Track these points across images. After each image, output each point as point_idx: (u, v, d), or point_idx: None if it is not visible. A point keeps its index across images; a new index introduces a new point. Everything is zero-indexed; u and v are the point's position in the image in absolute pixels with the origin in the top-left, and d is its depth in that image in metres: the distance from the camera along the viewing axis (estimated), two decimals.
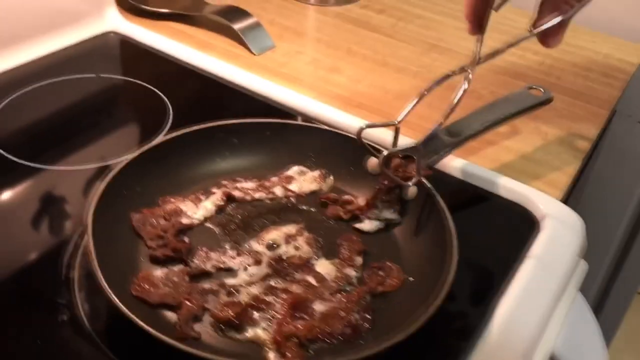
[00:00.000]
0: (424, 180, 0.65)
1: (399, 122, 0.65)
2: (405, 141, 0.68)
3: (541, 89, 0.78)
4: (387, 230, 0.66)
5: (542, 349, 0.60)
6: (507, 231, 0.68)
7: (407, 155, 0.68)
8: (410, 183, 0.64)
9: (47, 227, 0.65)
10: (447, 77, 0.65)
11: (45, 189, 0.69)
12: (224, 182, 0.69)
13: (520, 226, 0.68)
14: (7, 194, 0.69)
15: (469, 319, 0.58)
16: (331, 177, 0.71)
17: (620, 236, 1.21)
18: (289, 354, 0.52)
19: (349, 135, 0.70)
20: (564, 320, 0.64)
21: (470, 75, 0.64)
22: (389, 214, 0.66)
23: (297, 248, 0.62)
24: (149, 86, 0.86)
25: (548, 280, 0.63)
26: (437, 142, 0.69)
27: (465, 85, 0.64)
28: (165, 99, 0.83)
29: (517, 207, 0.70)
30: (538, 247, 0.65)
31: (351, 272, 0.60)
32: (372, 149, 0.65)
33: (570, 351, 0.65)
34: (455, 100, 0.63)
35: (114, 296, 0.50)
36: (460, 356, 0.55)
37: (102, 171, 0.71)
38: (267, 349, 0.53)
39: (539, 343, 0.59)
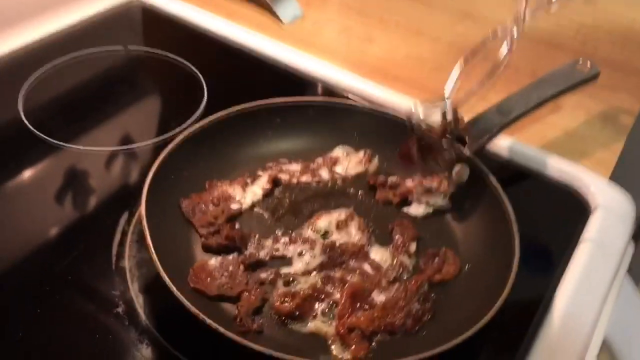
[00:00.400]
0: (477, 161, 0.63)
1: (449, 98, 0.63)
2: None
3: (587, 63, 0.76)
4: (439, 215, 0.65)
5: (597, 335, 0.60)
6: (559, 213, 0.67)
7: (458, 135, 0.66)
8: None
9: (84, 212, 0.63)
10: (487, 41, 0.62)
11: (76, 170, 0.68)
12: (269, 165, 0.67)
13: (572, 208, 0.67)
14: (39, 176, 0.67)
15: (529, 307, 0.58)
16: (377, 159, 0.70)
17: None
18: (353, 347, 0.51)
19: (395, 115, 0.68)
20: (615, 304, 0.63)
21: (516, 34, 0.61)
22: (439, 200, 0.65)
23: (349, 235, 0.61)
24: (181, 59, 0.82)
25: (603, 265, 0.62)
26: (487, 121, 0.67)
27: (508, 46, 0.61)
28: (199, 74, 0.80)
29: (568, 188, 0.68)
30: (592, 230, 0.64)
31: (406, 260, 0.59)
32: (425, 132, 0.63)
33: (621, 334, 0.65)
34: (501, 60, 0.60)
35: (177, 291, 0.49)
36: (523, 346, 0.54)
37: (137, 153, 0.69)
38: (330, 342, 0.52)
39: (595, 329, 0.59)
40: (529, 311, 0.57)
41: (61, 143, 0.69)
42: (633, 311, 0.68)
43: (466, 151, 0.64)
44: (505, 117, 0.68)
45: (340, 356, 0.51)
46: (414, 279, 0.57)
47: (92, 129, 0.73)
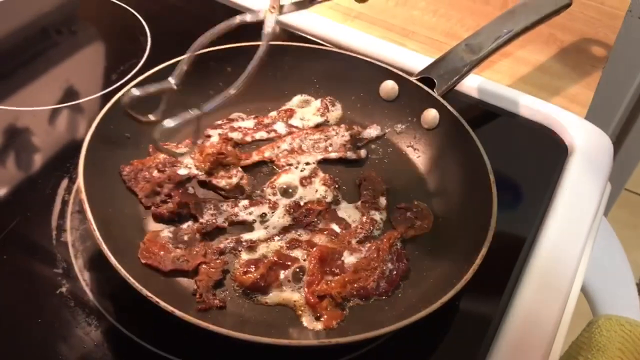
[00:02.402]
0: (447, 105, 0.59)
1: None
2: (420, 60, 0.61)
3: None
4: (408, 163, 0.60)
5: (578, 279, 0.57)
6: (535, 156, 0.63)
7: (425, 77, 0.61)
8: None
9: (19, 180, 0.57)
10: None
11: (9, 131, 0.60)
12: (219, 123, 0.61)
13: (549, 150, 0.63)
14: None
15: (511, 253, 0.54)
16: (338, 106, 0.64)
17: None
18: (325, 316, 0.47)
19: (359, 57, 0.63)
20: (593, 247, 0.61)
21: None
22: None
23: (314, 192, 0.56)
24: (121, 3, 0.74)
25: (583, 208, 0.59)
26: (456, 60, 0.62)
27: None
28: (141, 19, 0.72)
29: (543, 128, 0.65)
30: (570, 172, 0.60)
31: (376, 215, 0.55)
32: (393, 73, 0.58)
33: (599, 278, 0.63)
34: None
35: (125, 272, 0.44)
36: (507, 290, 0.51)
37: (76, 109, 0.62)
38: (299, 312, 0.48)
39: (577, 272, 0.56)
40: (510, 257, 0.54)
41: None
42: (610, 255, 0.66)
43: (435, 94, 0.60)
44: (475, 54, 0.63)
45: (311, 327, 0.47)
46: (385, 236, 0.53)
47: (26, 84, 0.65)
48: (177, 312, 0.42)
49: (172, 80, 0.48)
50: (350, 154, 0.60)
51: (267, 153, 0.59)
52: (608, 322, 0.58)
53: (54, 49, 0.70)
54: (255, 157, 0.58)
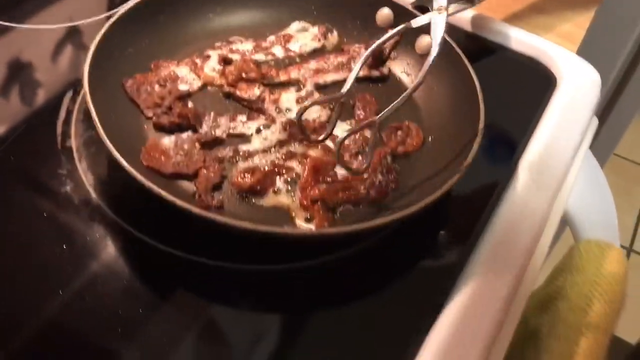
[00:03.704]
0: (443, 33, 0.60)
1: None
2: None
3: None
4: (402, 87, 0.62)
5: (558, 207, 0.60)
6: (524, 86, 0.65)
7: (421, 5, 0.63)
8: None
9: (25, 94, 0.59)
10: None
11: (16, 49, 0.62)
12: (218, 44, 0.63)
13: (537, 81, 0.65)
14: None
15: (493, 176, 0.57)
16: (335, 33, 0.66)
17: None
18: (317, 218, 0.50)
19: None
20: (576, 177, 0.63)
21: None
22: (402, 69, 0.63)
23: (310, 111, 0.58)
24: None
25: (567, 136, 0.61)
26: None
27: None
28: None
29: (533, 61, 0.67)
30: (556, 102, 0.63)
31: (369, 133, 0.57)
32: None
33: (581, 207, 0.66)
34: None
35: (129, 166, 0.46)
36: (486, 212, 0.54)
37: (81, 29, 0.64)
38: (293, 214, 0.51)
39: (554, 202, 0.59)
40: (492, 180, 0.57)
41: (2, 22, 0.63)
42: (594, 186, 0.68)
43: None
44: None
45: (304, 227, 0.50)
46: (377, 151, 0.55)
47: (33, 6, 0.66)
48: (178, 202, 0.44)
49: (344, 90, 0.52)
50: (374, 72, 0.62)
51: (294, 74, 0.61)
52: (587, 245, 0.61)
53: None
54: (282, 76, 0.60)
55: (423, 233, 0.53)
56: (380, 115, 0.51)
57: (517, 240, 0.53)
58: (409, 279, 0.51)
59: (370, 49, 0.56)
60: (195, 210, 0.44)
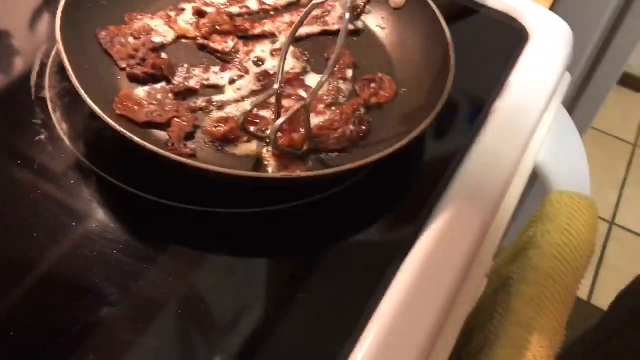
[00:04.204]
0: None
1: None
2: None
3: None
4: (376, 41, 0.63)
5: (527, 160, 0.61)
6: (496, 41, 0.66)
7: None
8: None
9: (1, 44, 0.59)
10: None
11: None
12: None
13: (510, 36, 0.66)
14: None
15: (463, 126, 0.58)
16: None
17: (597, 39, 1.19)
18: (290, 166, 0.51)
19: None
20: (548, 131, 0.64)
21: None
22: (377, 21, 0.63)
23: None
24: None
25: (537, 91, 0.62)
26: None
27: None
28: None
29: (506, 16, 0.67)
30: (528, 56, 0.64)
31: (342, 85, 0.58)
32: None
33: (553, 160, 0.66)
34: None
35: (103, 114, 0.46)
36: (456, 159, 0.55)
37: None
38: (266, 163, 0.51)
39: (524, 153, 0.60)
40: (463, 130, 0.57)
41: None
42: (566, 140, 0.69)
43: None
44: None
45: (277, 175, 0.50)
46: (349, 102, 0.56)
47: None
48: (149, 146, 0.45)
49: (276, 86, 0.51)
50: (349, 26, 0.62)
51: (268, 27, 0.61)
52: (559, 195, 0.62)
53: None
54: (257, 29, 0.61)
55: (394, 180, 0.54)
56: (310, 95, 0.50)
57: (486, 188, 0.54)
58: (378, 225, 0.52)
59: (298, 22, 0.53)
60: (166, 153, 0.45)
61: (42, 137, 0.51)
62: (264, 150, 0.52)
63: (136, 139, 0.45)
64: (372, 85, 0.58)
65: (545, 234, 0.60)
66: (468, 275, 0.50)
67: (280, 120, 0.49)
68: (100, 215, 0.48)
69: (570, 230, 0.59)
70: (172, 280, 0.46)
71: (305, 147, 0.52)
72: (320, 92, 0.57)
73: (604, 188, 1.85)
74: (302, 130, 0.53)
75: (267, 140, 0.52)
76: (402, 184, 0.54)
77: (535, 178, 0.66)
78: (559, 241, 0.59)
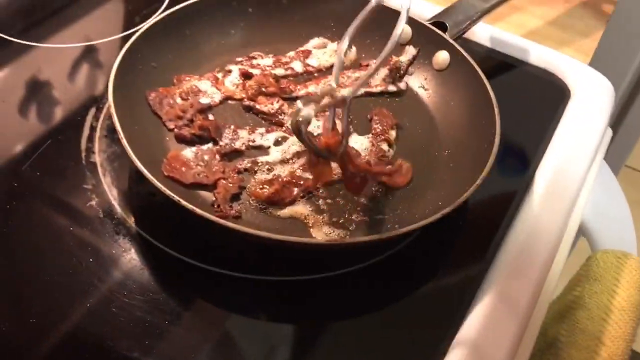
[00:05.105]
0: (457, 47, 0.62)
1: None
2: (433, 9, 0.64)
3: None
4: (419, 102, 0.63)
5: (574, 218, 0.60)
6: (539, 100, 0.66)
7: (438, 21, 0.64)
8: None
9: (50, 110, 0.61)
10: None
11: (40, 69, 0.64)
12: (240, 59, 0.64)
13: (552, 94, 0.66)
14: (4, 75, 0.64)
15: (508, 189, 0.57)
16: (354, 49, 0.67)
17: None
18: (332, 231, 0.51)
19: (377, 3, 0.66)
20: (591, 188, 0.64)
21: None
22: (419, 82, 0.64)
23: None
24: None
25: (581, 150, 0.61)
26: (468, 7, 0.65)
27: None
28: None
29: (547, 74, 0.67)
30: (571, 114, 0.63)
31: (385, 147, 0.58)
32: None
33: (597, 218, 0.66)
34: None
35: (151, 176, 0.47)
36: (503, 224, 0.54)
37: (102, 49, 0.66)
38: (310, 225, 0.51)
39: (570, 215, 0.59)
40: (508, 192, 0.57)
41: (24, 42, 0.65)
42: (609, 197, 0.68)
43: (447, 37, 0.63)
44: (486, 2, 0.66)
45: (319, 238, 0.51)
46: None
47: (53, 26, 0.69)
48: (198, 211, 0.45)
49: (333, 83, 0.49)
50: (391, 87, 0.63)
51: (311, 88, 0.62)
52: (605, 255, 0.61)
53: None
54: (301, 91, 0.62)
55: (440, 246, 0.54)
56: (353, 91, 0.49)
57: (534, 252, 0.53)
58: (426, 293, 0.51)
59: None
60: (212, 217, 0.45)
61: (93, 203, 0.52)
62: (308, 212, 0.52)
63: (183, 201, 0.46)
64: (388, 167, 0.56)
65: (592, 295, 0.59)
66: (519, 344, 0.49)
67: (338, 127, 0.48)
68: (149, 283, 0.48)
69: (618, 292, 0.58)
70: (203, 342, 0.46)
71: (341, 149, 0.50)
72: (363, 153, 0.57)
73: (635, 224, 1.79)
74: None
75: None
76: (448, 249, 0.54)
77: (578, 235, 0.65)
78: (607, 303, 0.57)
